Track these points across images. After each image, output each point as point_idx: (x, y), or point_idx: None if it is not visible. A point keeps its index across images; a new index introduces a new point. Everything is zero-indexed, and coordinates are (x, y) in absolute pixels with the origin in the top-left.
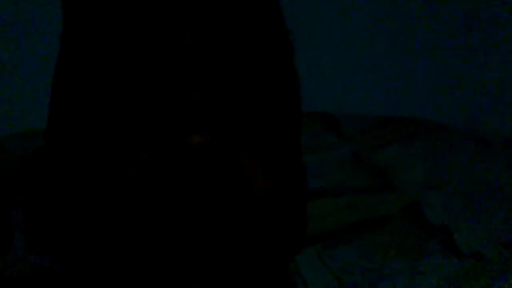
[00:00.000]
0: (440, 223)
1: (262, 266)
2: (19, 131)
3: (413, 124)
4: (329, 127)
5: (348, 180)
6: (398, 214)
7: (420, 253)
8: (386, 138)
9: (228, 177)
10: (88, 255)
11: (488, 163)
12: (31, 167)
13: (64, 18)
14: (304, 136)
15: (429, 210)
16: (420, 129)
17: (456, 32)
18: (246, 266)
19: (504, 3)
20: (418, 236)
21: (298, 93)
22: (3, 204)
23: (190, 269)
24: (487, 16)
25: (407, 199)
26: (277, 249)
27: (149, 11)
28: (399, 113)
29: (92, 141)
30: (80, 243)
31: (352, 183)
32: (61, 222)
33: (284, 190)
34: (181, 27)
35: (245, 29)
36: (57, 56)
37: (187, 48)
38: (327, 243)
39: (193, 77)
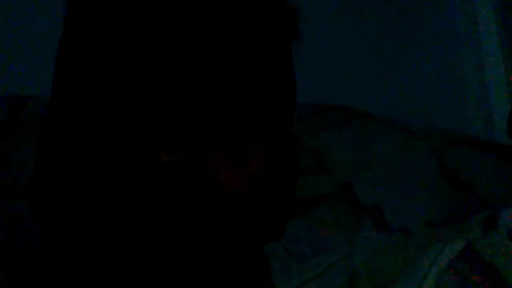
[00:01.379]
0: (371, 202)
1: (240, 249)
2: None
3: (346, 112)
4: None
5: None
6: (334, 193)
7: (356, 227)
8: (321, 124)
9: (198, 191)
10: (78, 223)
11: (412, 150)
12: (39, 135)
13: (67, 12)
14: None
15: (360, 190)
16: (352, 117)
17: (389, 24)
18: (225, 255)
19: None
20: (353, 213)
21: (293, 81)
22: None
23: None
24: (419, 7)
25: (340, 179)
26: (257, 233)
27: (149, 14)
28: (333, 101)
29: (81, 131)
30: (73, 210)
31: None
32: (60, 189)
33: (268, 185)
34: (178, 35)
35: (244, 25)
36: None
37: (184, 55)
38: None
39: (178, 92)
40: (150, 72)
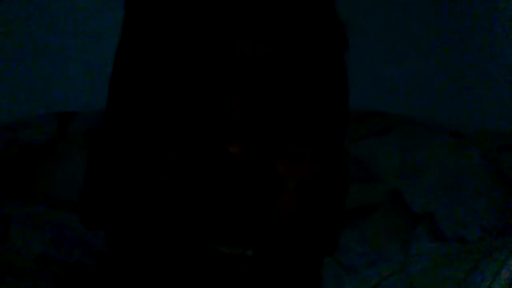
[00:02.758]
0: (423, 210)
1: (298, 264)
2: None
3: (388, 118)
4: None
5: None
6: (384, 202)
7: (409, 237)
8: (362, 132)
9: (262, 182)
10: (131, 229)
11: (462, 153)
12: (91, 146)
13: (125, 17)
14: None
15: (411, 198)
16: (393, 123)
17: (439, 27)
18: (282, 263)
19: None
20: (405, 223)
21: (346, 88)
22: None
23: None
24: (459, 13)
25: (389, 187)
26: (313, 246)
27: (206, 17)
28: (370, 108)
29: (141, 133)
30: (125, 216)
31: None
32: (112, 197)
33: (322, 190)
34: (238, 34)
35: (297, 30)
36: (116, 52)
37: (240, 56)
38: None
39: (241, 87)
40: (209, 70)
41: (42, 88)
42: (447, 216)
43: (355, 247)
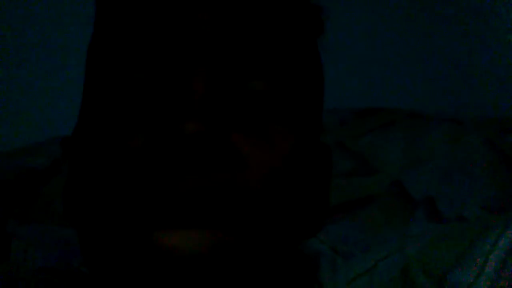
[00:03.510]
0: (423, 195)
1: (274, 243)
2: (12, 148)
3: (389, 113)
4: None
5: (333, 167)
6: (384, 192)
7: (407, 221)
8: (366, 127)
9: (223, 160)
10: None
11: (463, 140)
12: (67, 147)
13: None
14: None
15: (412, 186)
16: (396, 117)
17: (435, 20)
18: (256, 244)
19: None
20: (404, 208)
21: (319, 70)
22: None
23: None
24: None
25: (390, 178)
26: (289, 226)
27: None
28: (374, 104)
29: (106, 126)
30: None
31: (337, 169)
32: (84, 192)
33: (294, 170)
34: (199, 8)
35: (262, 6)
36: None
37: (202, 30)
38: None
39: (203, 63)
40: (171, 46)
41: (44, 115)
42: (447, 197)
43: (353, 236)
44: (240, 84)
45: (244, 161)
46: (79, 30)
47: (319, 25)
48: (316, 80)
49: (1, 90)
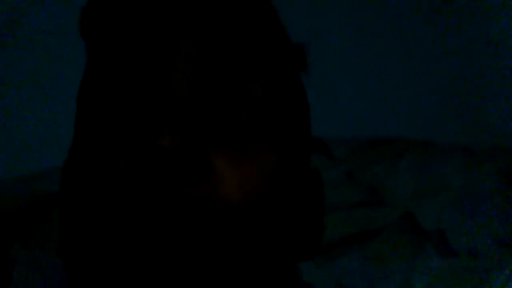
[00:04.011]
0: (434, 227)
1: (261, 268)
2: (16, 175)
3: (400, 143)
4: (319, 150)
5: (343, 197)
6: (393, 224)
7: (416, 255)
8: (376, 156)
9: (200, 174)
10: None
11: (475, 171)
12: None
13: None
14: None
15: (423, 218)
16: (407, 147)
17: (432, 47)
18: (242, 268)
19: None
20: (414, 241)
21: (305, 103)
22: (2, 240)
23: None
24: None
25: (400, 210)
26: (274, 248)
27: (155, 19)
28: (385, 133)
29: (93, 148)
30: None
31: (347, 200)
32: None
33: (274, 188)
34: (183, 35)
35: (245, 34)
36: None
37: (182, 53)
38: (326, 255)
39: (176, 79)
40: (152, 67)
41: (56, 140)
42: (458, 230)
43: (359, 269)
44: (222, 100)
45: (219, 175)
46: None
47: (302, 60)
48: (301, 107)
49: (12, 115)
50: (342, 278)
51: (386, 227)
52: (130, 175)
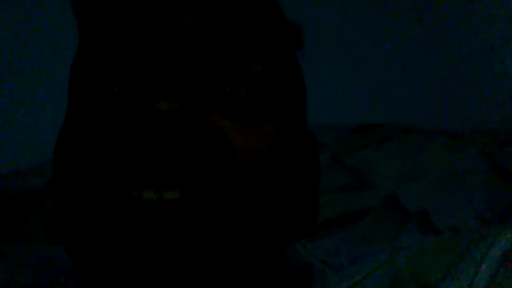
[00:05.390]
0: (417, 208)
1: (256, 236)
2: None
3: (385, 128)
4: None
5: (327, 182)
6: (377, 206)
7: (400, 233)
8: (361, 142)
9: (203, 138)
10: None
11: (458, 153)
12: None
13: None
14: None
15: (407, 199)
16: (392, 132)
17: (427, 35)
18: (239, 243)
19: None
20: (397, 221)
21: (302, 83)
22: None
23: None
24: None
25: (385, 192)
26: (272, 220)
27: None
28: (370, 120)
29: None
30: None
31: (332, 183)
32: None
33: (276, 158)
34: (179, 8)
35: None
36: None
37: (179, 28)
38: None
39: (174, 52)
40: (150, 31)
41: (43, 136)
42: (441, 209)
43: (344, 249)
44: (219, 73)
45: (226, 139)
46: None
47: (297, 39)
48: (298, 85)
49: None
50: (326, 257)
51: (370, 209)
52: (128, 141)
